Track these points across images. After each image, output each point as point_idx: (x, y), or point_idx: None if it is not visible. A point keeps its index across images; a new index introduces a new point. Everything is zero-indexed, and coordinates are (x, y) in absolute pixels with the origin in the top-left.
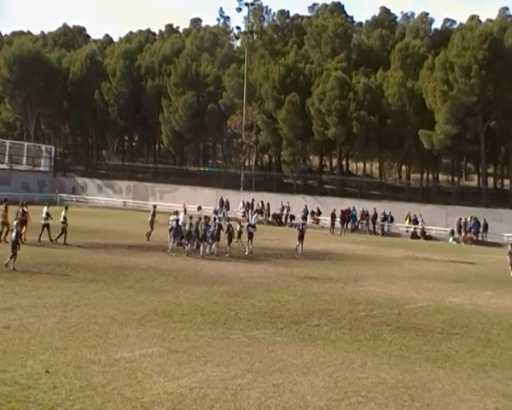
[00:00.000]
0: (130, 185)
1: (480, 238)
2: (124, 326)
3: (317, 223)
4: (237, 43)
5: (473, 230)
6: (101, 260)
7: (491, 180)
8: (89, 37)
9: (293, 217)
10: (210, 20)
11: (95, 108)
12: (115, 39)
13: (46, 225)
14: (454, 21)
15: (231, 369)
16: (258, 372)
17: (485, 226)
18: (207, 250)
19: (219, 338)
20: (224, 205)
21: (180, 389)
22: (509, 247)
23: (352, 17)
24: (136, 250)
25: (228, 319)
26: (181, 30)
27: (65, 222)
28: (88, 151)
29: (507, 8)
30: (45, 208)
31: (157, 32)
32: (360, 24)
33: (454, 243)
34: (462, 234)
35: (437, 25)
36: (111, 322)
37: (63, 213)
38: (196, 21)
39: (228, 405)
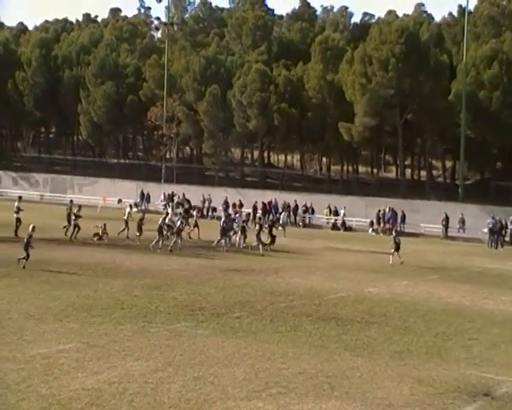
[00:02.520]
0: (48, 178)
1: (397, 229)
2: (40, 322)
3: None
4: (158, 34)
5: (391, 221)
6: (15, 255)
7: (408, 172)
8: (2, 24)
9: (214, 209)
10: (130, 11)
11: (8, 98)
12: (30, 28)
13: None
14: (372, 15)
15: (151, 363)
16: (178, 365)
17: (403, 217)
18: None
19: (139, 332)
20: (145, 198)
21: (99, 384)
22: (394, 233)
23: (272, 10)
24: (54, 244)
25: (148, 312)
26: (99, 20)
27: None
28: (1, 143)
29: (422, 4)
30: None
31: (74, 22)
32: (281, 17)
33: (373, 233)
34: (381, 225)
35: (356, 19)
36: (26, 318)
37: None
38: (115, 11)
39: (148, 399)
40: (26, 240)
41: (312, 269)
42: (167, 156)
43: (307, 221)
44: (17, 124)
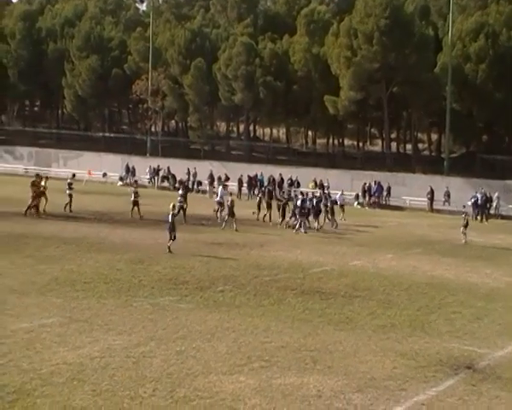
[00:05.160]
0: (32, 151)
1: (383, 202)
2: (23, 296)
3: (225, 189)
4: (143, 7)
5: (376, 194)
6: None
7: (394, 145)
8: None
9: (200, 183)
10: None
11: None
12: (14, 0)
13: None
14: None
15: (134, 337)
16: (161, 340)
17: (389, 190)
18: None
19: (122, 306)
20: (130, 171)
21: (80, 358)
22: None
23: None
24: (38, 218)
25: (131, 286)
26: None
27: None
28: None
29: None
30: None
31: None
32: None
33: (359, 207)
34: (367, 198)
35: None
36: (9, 292)
37: None
38: None
39: (129, 373)
40: (170, 220)
41: (297, 243)
42: (152, 130)
43: (293, 194)
44: (1, 97)
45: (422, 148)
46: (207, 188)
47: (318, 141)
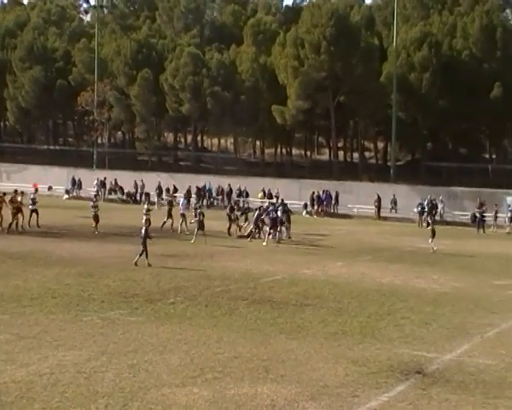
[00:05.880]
0: None
1: (331, 210)
2: None
3: (174, 200)
4: (87, 18)
5: (325, 202)
6: None
7: (341, 154)
8: None
9: (148, 194)
10: None
11: None
12: None
13: None
14: None
15: (84, 352)
16: (112, 354)
17: (337, 198)
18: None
19: (72, 321)
20: (77, 184)
21: (29, 376)
22: (429, 220)
23: None
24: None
25: (81, 300)
26: (25, 2)
27: None
28: None
29: None
30: None
31: None
32: (213, 0)
33: (307, 215)
34: (315, 207)
35: (288, 1)
36: None
37: None
38: None
39: (81, 389)
40: (143, 234)
41: (247, 253)
42: (99, 142)
43: (241, 205)
44: None
45: (369, 156)
46: (155, 199)
47: (266, 151)
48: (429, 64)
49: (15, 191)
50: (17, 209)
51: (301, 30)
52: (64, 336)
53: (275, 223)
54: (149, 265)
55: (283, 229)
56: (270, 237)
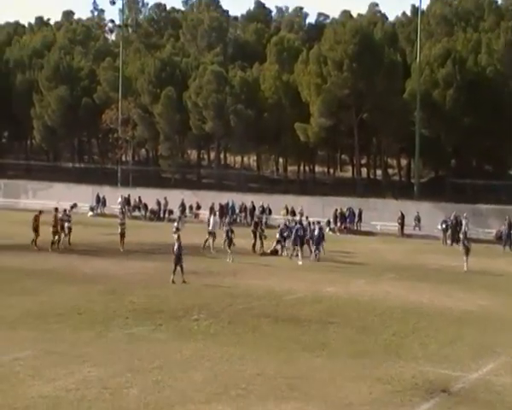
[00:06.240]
0: (0, 183)
1: (354, 228)
2: None
3: (197, 217)
4: (112, 37)
5: (348, 220)
6: None
7: (364, 171)
8: None
9: (171, 212)
10: (83, 13)
11: None
12: None
13: None
14: (327, 16)
15: (110, 368)
16: (137, 370)
17: (360, 216)
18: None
19: (97, 337)
20: (101, 202)
21: (56, 391)
22: (462, 236)
23: (227, 11)
24: (8, 250)
25: (106, 317)
26: (52, 23)
27: None
28: None
29: (376, 4)
30: None
31: (26, 25)
32: (236, 18)
33: (330, 233)
34: (338, 224)
35: (311, 19)
36: None
37: None
38: (68, 14)
39: (106, 405)
40: (175, 251)
41: (271, 270)
42: (123, 159)
43: (264, 221)
44: None
45: (392, 173)
46: (178, 216)
47: (289, 168)
48: (453, 80)
49: (56, 209)
50: (61, 227)
51: (324, 47)
52: (89, 352)
53: (302, 241)
54: (184, 282)
55: (321, 247)
56: (299, 255)
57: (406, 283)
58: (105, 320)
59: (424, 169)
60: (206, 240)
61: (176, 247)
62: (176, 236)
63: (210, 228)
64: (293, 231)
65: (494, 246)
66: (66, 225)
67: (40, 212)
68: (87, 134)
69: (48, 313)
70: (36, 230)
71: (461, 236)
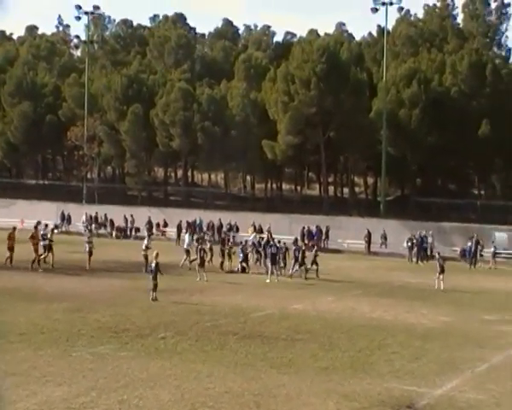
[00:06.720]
0: None
1: (321, 245)
2: None
3: (164, 235)
4: (77, 53)
5: (316, 237)
6: None
7: (331, 189)
8: None
9: (138, 229)
10: (47, 28)
11: None
12: None
13: None
14: (294, 35)
15: (74, 388)
16: (102, 389)
17: (327, 233)
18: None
19: (61, 357)
20: (66, 219)
21: None
22: (437, 255)
23: (194, 28)
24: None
25: (70, 336)
26: (15, 37)
27: None
28: None
29: (343, 24)
30: None
31: None
32: (203, 35)
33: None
34: (305, 242)
35: (279, 38)
36: None
37: None
38: (32, 29)
39: None
40: (153, 268)
41: (238, 287)
42: (88, 176)
43: (231, 239)
44: None
45: (359, 191)
46: (146, 234)
47: (257, 185)
48: (418, 100)
49: (36, 227)
50: (45, 247)
51: (292, 66)
52: (53, 371)
53: (274, 258)
54: (155, 300)
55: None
56: (269, 273)
57: (372, 299)
58: (69, 339)
59: (390, 187)
60: (186, 258)
61: (153, 265)
62: (155, 254)
63: (185, 246)
64: (267, 249)
65: (458, 263)
66: (41, 243)
67: (14, 228)
68: (52, 151)
69: (10, 332)
70: (11, 248)
71: (435, 254)
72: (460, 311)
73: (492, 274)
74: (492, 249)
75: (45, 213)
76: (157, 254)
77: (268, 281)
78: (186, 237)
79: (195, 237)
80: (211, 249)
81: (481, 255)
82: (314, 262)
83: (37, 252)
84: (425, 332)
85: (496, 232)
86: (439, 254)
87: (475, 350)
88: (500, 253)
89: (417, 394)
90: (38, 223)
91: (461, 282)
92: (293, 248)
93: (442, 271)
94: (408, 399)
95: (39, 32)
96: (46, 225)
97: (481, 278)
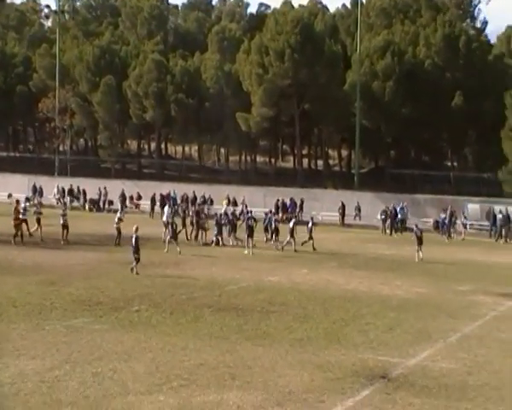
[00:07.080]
0: None
1: (298, 218)
2: None
3: (138, 208)
4: (48, 23)
5: (290, 210)
6: None
7: (306, 161)
8: None
9: (111, 202)
10: None
11: None
12: None
13: None
14: (268, 6)
15: (47, 361)
16: (76, 362)
17: (301, 206)
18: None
19: (34, 330)
20: (38, 192)
21: None
22: (415, 227)
23: None
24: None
25: (43, 309)
26: None
27: None
28: None
29: None
30: None
31: None
32: (176, 6)
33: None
34: (280, 214)
35: (252, 9)
36: None
37: None
38: None
39: (44, 398)
40: (134, 242)
41: (213, 260)
42: (61, 149)
43: (206, 212)
44: None
45: (333, 163)
46: (119, 207)
47: (231, 158)
48: (392, 72)
49: (17, 201)
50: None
51: (266, 37)
52: (26, 345)
53: (251, 231)
54: (137, 273)
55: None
56: (246, 245)
57: (347, 271)
58: (42, 312)
59: (364, 160)
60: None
61: (133, 238)
62: (135, 227)
63: (164, 218)
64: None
65: (432, 234)
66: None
67: (17, 202)
68: (23, 122)
69: None
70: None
71: (414, 227)
72: (434, 282)
73: (465, 245)
74: (463, 220)
75: (17, 185)
76: (137, 228)
77: (246, 252)
78: (165, 210)
79: (194, 209)
80: (184, 222)
81: (454, 227)
82: (310, 237)
83: (17, 227)
84: (399, 303)
85: (468, 204)
86: (416, 226)
87: (448, 320)
88: (472, 224)
89: (391, 364)
90: (10, 195)
91: (435, 253)
92: (274, 219)
93: (420, 242)
94: (382, 369)
95: (8, 1)
96: (27, 198)
97: (455, 250)
